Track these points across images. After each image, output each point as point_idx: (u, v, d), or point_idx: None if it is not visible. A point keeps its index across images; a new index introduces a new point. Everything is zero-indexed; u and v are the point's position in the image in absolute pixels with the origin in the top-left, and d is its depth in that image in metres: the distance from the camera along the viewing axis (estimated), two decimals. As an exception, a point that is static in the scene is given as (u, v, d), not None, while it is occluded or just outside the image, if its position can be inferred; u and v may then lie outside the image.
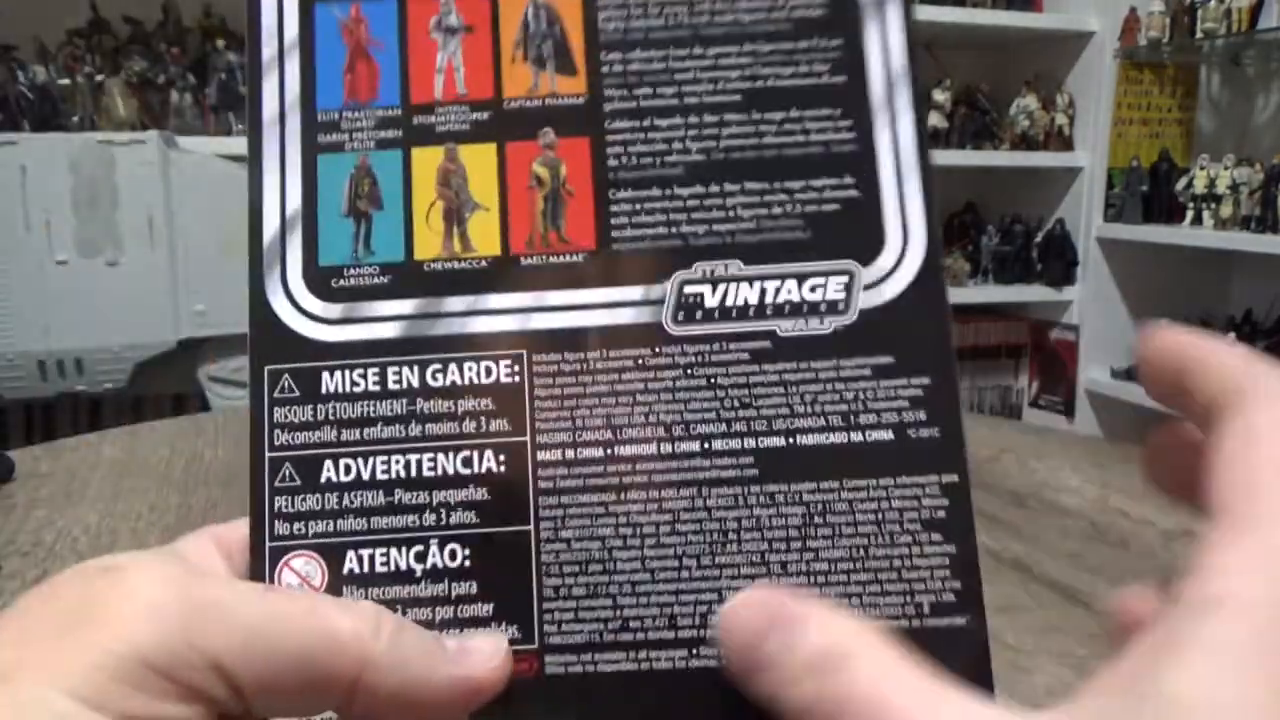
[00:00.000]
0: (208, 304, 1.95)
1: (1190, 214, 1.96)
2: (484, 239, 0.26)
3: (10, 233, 1.83)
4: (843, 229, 0.25)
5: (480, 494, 0.24)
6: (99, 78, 2.06)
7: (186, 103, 2.15)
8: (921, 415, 0.24)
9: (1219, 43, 2.02)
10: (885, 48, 0.26)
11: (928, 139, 0.26)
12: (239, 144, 2.16)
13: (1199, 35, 1.99)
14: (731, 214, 0.26)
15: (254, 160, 0.26)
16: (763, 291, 0.25)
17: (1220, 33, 1.94)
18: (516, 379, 0.25)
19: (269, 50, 0.26)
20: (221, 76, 2.15)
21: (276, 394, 0.25)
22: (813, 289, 0.25)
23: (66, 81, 2.06)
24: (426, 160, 0.26)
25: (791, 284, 0.25)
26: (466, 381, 0.25)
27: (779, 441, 0.24)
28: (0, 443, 1.60)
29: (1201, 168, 1.92)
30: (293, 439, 0.25)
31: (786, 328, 0.25)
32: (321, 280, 0.25)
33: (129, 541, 0.57)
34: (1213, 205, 1.90)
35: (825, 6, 0.27)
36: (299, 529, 0.24)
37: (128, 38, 2.22)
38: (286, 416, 0.25)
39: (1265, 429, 0.17)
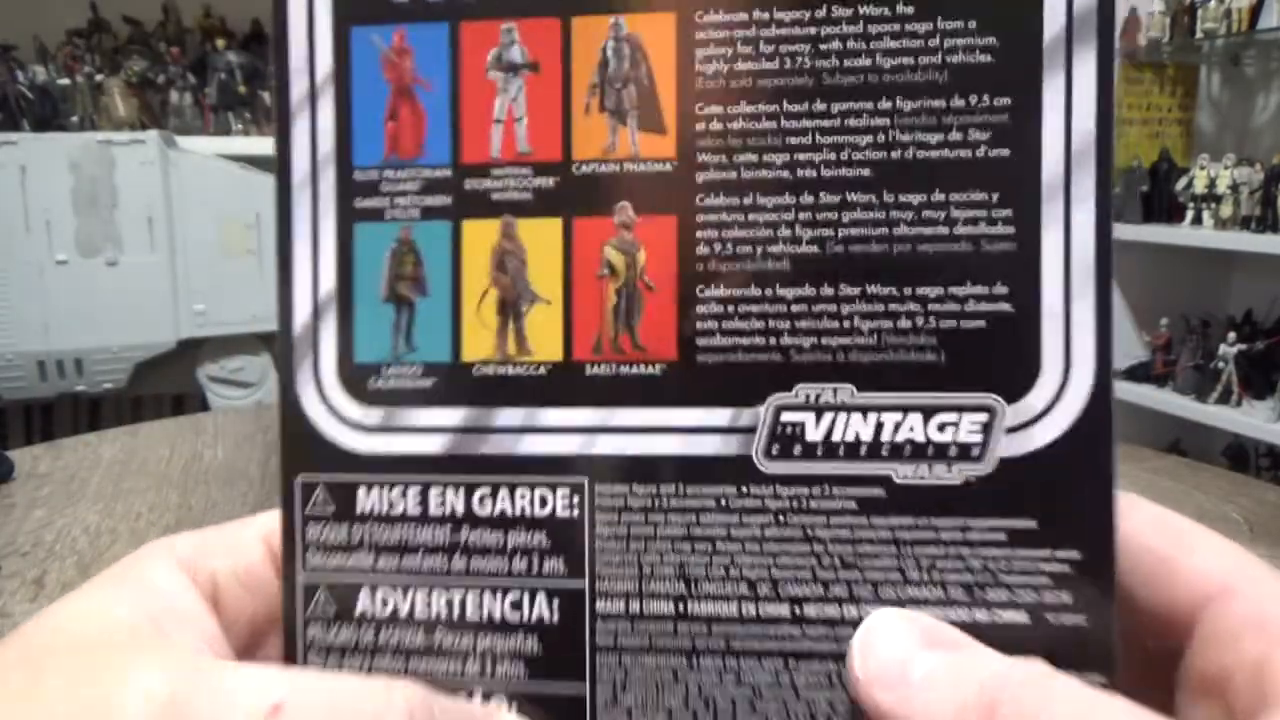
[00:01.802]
0: (207, 304, 1.95)
1: (1190, 214, 1.95)
2: (543, 339, 0.22)
3: (10, 233, 1.83)
4: (987, 353, 0.20)
5: (530, 644, 0.21)
6: (99, 78, 2.07)
7: (186, 103, 2.16)
8: (1065, 598, 0.20)
9: (1219, 43, 2.02)
10: (1069, 109, 0.20)
11: (1113, 238, 0.20)
12: (239, 144, 2.17)
13: (1199, 35, 1.99)
14: (846, 325, 0.21)
15: (283, 228, 0.22)
16: (878, 426, 0.20)
17: (1220, 33, 1.94)
18: (575, 513, 0.21)
19: (299, 88, 0.22)
20: (221, 76, 2.15)
21: (310, 510, 0.22)
22: (941, 428, 0.20)
23: (66, 81, 2.06)
24: (480, 236, 0.22)
25: (915, 419, 0.20)
26: (518, 511, 0.21)
27: None
28: (0, 443, 1.60)
29: (1201, 168, 1.92)
30: (326, 562, 0.22)
31: (905, 474, 0.20)
32: (358, 380, 0.22)
33: (129, 541, 0.57)
34: (1213, 205, 1.90)
35: (993, 51, 0.20)
36: (333, 664, 0.22)
37: (128, 38, 2.22)
38: (320, 535, 0.22)
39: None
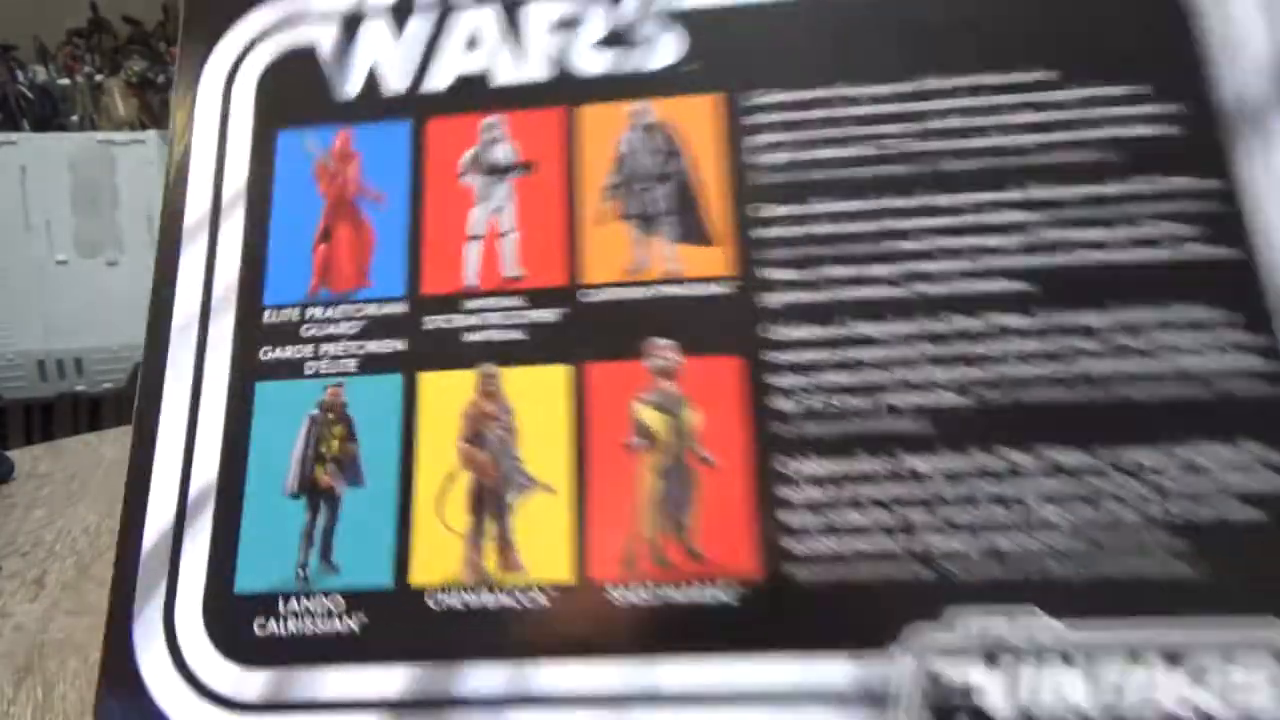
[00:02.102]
0: (208, 304, 1.96)
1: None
2: (542, 550, 0.14)
3: (10, 233, 1.83)
4: (1258, 553, 0.13)
5: None
6: (99, 78, 2.07)
7: (186, 103, 2.16)
8: None
9: (1219, 43, 2.02)
10: None
11: None
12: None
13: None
14: (1022, 513, 0.13)
15: (147, 398, 0.15)
16: (1101, 684, 0.12)
17: (1220, 33, 1.95)
18: None
19: (197, 204, 0.15)
20: (221, 76, 2.16)
21: None
22: (1211, 684, 0.12)
23: (66, 81, 2.06)
24: (446, 394, 0.15)
25: (1159, 672, 0.12)
26: None
27: None
28: (0, 443, 1.60)
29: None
30: None
31: None
32: (239, 621, 0.14)
33: (129, 541, 0.57)
34: (1213, 205, 1.91)
35: (1182, 120, 0.14)
36: None
37: (128, 38, 2.22)
38: None
39: None
